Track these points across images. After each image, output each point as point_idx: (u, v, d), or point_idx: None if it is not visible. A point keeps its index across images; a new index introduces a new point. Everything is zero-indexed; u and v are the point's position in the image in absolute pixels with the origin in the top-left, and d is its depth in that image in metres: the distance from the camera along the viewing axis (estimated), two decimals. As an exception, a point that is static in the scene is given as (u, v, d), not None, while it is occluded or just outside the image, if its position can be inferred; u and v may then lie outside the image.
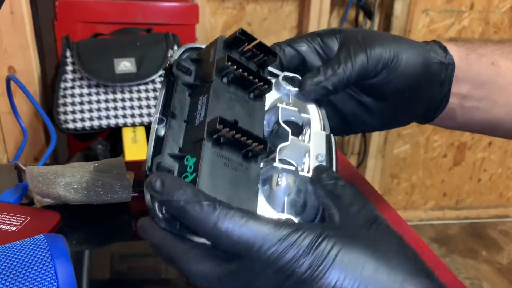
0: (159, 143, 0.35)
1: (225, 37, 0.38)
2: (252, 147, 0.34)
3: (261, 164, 0.36)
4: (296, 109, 0.40)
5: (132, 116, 1.35)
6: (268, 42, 0.40)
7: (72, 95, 1.34)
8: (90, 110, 1.33)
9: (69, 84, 1.35)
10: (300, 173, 0.37)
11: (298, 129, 0.40)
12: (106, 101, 1.34)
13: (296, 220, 0.35)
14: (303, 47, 0.44)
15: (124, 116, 1.34)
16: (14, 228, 0.48)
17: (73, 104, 1.33)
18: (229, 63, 0.36)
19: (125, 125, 1.35)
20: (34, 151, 1.48)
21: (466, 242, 2.01)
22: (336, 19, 1.75)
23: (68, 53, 1.35)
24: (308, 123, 0.40)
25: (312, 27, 1.65)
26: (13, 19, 1.34)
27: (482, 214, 2.16)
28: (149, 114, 1.35)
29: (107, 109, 1.34)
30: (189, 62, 0.39)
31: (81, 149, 1.40)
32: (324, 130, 0.41)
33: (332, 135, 0.41)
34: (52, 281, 0.33)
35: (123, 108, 1.34)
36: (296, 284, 0.29)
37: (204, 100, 0.36)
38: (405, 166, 2.01)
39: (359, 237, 0.31)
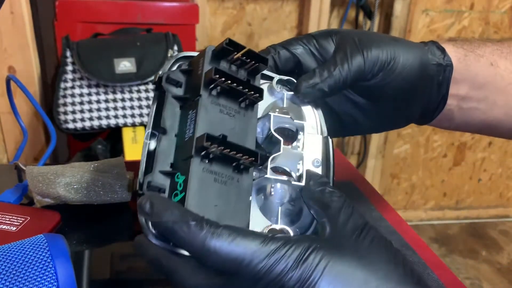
0: (151, 159, 0.35)
1: (213, 47, 0.38)
2: (243, 160, 0.34)
3: (255, 173, 0.37)
4: (288, 116, 0.39)
5: (132, 116, 1.35)
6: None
7: (72, 95, 1.34)
8: (90, 110, 1.33)
9: (69, 84, 1.35)
10: (293, 182, 0.37)
11: (293, 134, 0.40)
12: (106, 101, 1.34)
13: (290, 229, 0.36)
14: (299, 50, 0.44)
15: (124, 116, 1.34)
16: (14, 228, 0.48)
17: (73, 104, 1.33)
18: (217, 75, 0.35)
19: (125, 125, 1.35)
20: (34, 151, 1.48)
21: (466, 242, 2.01)
22: (336, 19, 1.75)
23: (68, 53, 1.35)
24: (302, 129, 0.40)
25: (312, 27, 1.65)
26: (13, 19, 1.34)
27: (482, 214, 2.16)
28: (149, 114, 1.35)
29: (107, 109, 1.34)
30: (179, 74, 0.38)
31: (81, 149, 1.40)
32: (321, 133, 0.41)
33: (329, 137, 0.41)
34: (52, 281, 0.33)
35: (123, 108, 1.34)
36: None
37: (193, 115, 0.35)
38: (405, 166, 2.01)
39: (348, 249, 0.31)
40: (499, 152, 2.04)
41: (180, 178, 0.34)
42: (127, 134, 1.33)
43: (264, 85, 0.41)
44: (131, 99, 1.35)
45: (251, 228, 0.35)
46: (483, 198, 2.14)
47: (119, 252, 0.53)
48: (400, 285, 0.31)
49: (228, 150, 0.34)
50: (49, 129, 0.62)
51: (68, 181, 0.53)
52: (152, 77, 1.34)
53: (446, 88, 0.46)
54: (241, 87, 0.36)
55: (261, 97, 0.37)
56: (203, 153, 0.33)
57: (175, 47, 1.38)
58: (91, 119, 1.33)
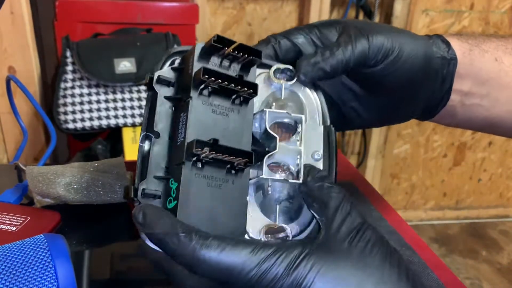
0: (146, 163, 0.35)
1: (202, 44, 0.36)
2: (236, 162, 0.34)
3: (252, 171, 0.36)
4: (284, 111, 0.38)
5: (132, 116, 1.35)
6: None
7: (72, 95, 1.34)
8: (90, 110, 1.33)
9: (69, 84, 1.35)
10: (290, 180, 0.36)
11: (293, 126, 0.39)
12: (106, 101, 1.34)
13: (289, 227, 0.36)
14: (300, 39, 0.42)
15: (124, 116, 1.34)
16: (14, 228, 0.48)
17: (73, 104, 1.33)
18: (206, 76, 0.34)
19: (125, 125, 1.35)
20: (34, 151, 1.48)
21: (466, 242, 2.01)
22: (336, 19, 1.75)
23: (68, 53, 1.35)
24: (300, 121, 0.38)
25: (312, 27, 1.64)
26: (13, 19, 1.34)
27: (482, 214, 2.16)
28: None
29: (107, 109, 1.34)
30: (171, 72, 0.37)
31: (81, 149, 1.40)
32: (323, 122, 0.40)
33: (332, 126, 0.39)
34: (52, 281, 0.32)
35: (123, 108, 1.34)
36: None
37: (184, 118, 0.35)
38: (405, 166, 2.01)
39: (341, 253, 0.31)
40: (499, 152, 2.04)
41: (174, 185, 0.34)
42: (127, 134, 1.33)
43: (262, 75, 0.40)
44: (131, 99, 1.35)
45: (249, 226, 0.35)
46: (483, 198, 2.14)
47: (119, 252, 0.53)
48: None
49: (220, 154, 0.33)
50: (49, 129, 0.62)
51: (68, 181, 0.53)
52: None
53: (450, 83, 0.45)
54: (233, 85, 0.35)
55: (255, 93, 0.36)
56: (194, 158, 0.33)
57: (175, 47, 1.38)
58: (91, 119, 1.33)
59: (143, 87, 1.36)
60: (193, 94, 0.35)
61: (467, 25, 1.79)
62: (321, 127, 0.39)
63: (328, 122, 0.40)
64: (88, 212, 0.54)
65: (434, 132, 1.95)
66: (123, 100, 1.35)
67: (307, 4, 1.64)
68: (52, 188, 0.52)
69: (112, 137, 1.41)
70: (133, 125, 1.35)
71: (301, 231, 0.37)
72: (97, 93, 1.34)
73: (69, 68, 1.35)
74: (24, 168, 0.55)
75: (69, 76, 1.35)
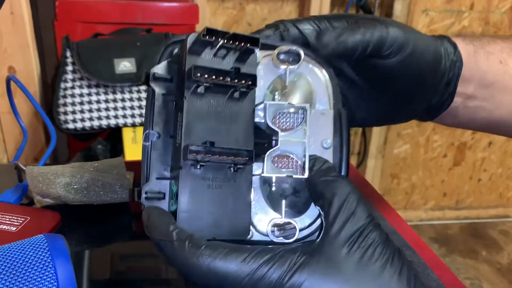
0: (150, 163, 0.35)
1: (195, 36, 0.33)
2: (236, 161, 0.33)
3: (257, 165, 0.35)
4: (286, 102, 0.36)
5: (132, 116, 1.35)
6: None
7: (72, 95, 1.34)
8: (90, 110, 1.33)
9: (69, 84, 1.35)
10: (294, 176, 0.35)
11: (300, 114, 0.36)
12: (106, 101, 1.34)
13: (296, 222, 0.34)
14: (308, 29, 0.39)
15: (124, 116, 1.34)
16: (14, 228, 0.48)
17: (73, 104, 1.33)
18: (198, 74, 0.32)
19: (125, 125, 1.35)
20: (34, 151, 1.48)
21: (466, 242, 2.01)
22: (336, 19, 1.75)
23: (68, 53, 1.35)
24: (306, 110, 0.36)
25: (312, 27, 1.64)
26: (13, 19, 1.34)
27: (482, 214, 2.16)
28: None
29: (107, 109, 1.34)
30: (167, 68, 0.35)
31: (81, 149, 1.40)
32: (334, 105, 0.37)
33: (344, 108, 0.37)
34: (52, 281, 0.32)
35: (123, 108, 1.34)
36: None
37: (181, 119, 0.33)
38: (405, 166, 2.01)
39: (337, 265, 0.31)
40: (499, 152, 2.04)
41: (174, 188, 0.33)
42: (127, 134, 1.33)
43: (267, 58, 0.37)
44: (131, 99, 1.35)
45: (256, 221, 0.35)
46: (483, 198, 2.14)
47: (119, 252, 0.53)
48: None
49: (217, 156, 0.32)
50: (49, 129, 0.62)
51: (68, 181, 0.53)
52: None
53: (455, 85, 0.44)
54: (228, 79, 0.33)
55: (254, 84, 0.34)
56: (191, 162, 0.32)
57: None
58: (91, 119, 1.33)
59: (143, 87, 1.36)
60: (187, 93, 0.33)
61: (467, 25, 1.79)
62: (331, 112, 0.37)
63: (340, 104, 0.37)
64: (88, 212, 0.54)
65: (434, 132, 1.95)
66: (123, 100, 1.35)
67: (307, 4, 1.64)
68: (52, 188, 0.52)
69: (112, 137, 1.41)
70: (133, 125, 1.35)
71: (310, 224, 0.35)
72: (97, 93, 1.34)
73: (69, 68, 1.35)
74: (24, 168, 0.55)
75: (69, 76, 1.35)
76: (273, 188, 0.36)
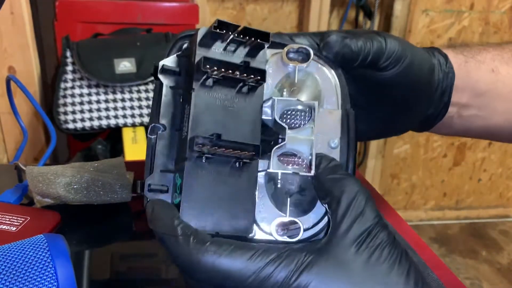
0: (154, 156, 0.34)
1: (205, 30, 0.33)
2: (242, 155, 0.32)
3: (262, 162, 0.34)
4: (295, 98, 0.35)
5: (132, 116, 1.35)
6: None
7: (72, 95, 1.34)
8: (90, 110, 1.33)
9: (69, 84, 1.35)
10: (301, 173, 0.34)
11: (308, 112, 0.36)
12: (106, 101, 1.34)
13: (301, 221, 0.34)
14: (304, 42, 0.39)
15: (124, 116, 1.34)
16: (14, 228, 0.48)
17: (73, 104, 1.33)
18: (207, 66, 0.32)
19: (125, 125, 1.35)
20: (34, 151, 1.48)
21: (466, 242, 2.01)
22: (336, 19, 1.75)
23: (68, 53, 1.35)
24: (314, 108, 0.35)
25: (312, 27, 1.65)
26: (13, 19, 1.34)
27: (482, 214, 2.16)
28: (149, 114, 1.36)
29: (107, 109, 1.34)
30: (176, 61, 0.35)
31: (81, 149, 1.40)
32: (342, 105, 0.37)
33: (352, 109, 0.37)
34: (52, 281, 0.32)
35: (123, 108, 1.34)
36: None
37: (188, 111, 0.33)
38: (405, 166, 2.01)
39: (345, 264, 0.30)
40: (499, 152, 2.04)
41: (179, 180, 0.33)
42: (127, 134, 1.33)
43: (275, 56, 0.37)
44: (131, 99, 1.35)
45: (260, 219, 0.34)
46: (483, 198, 2.14)
47: (119, 252, 0.53)
48: None
49: (223, 149, 0.32)
50: (49, 129, 0.62)
51: (68, 181, 0.53)
52: (152, 77, 1.34)
53: (449, 96, 0.44)
54: (238, 73, 0.33)
55: (263, 80, 0.33)
56: (197, 155, 0.32)
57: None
58: (91, 119, 1.33)
59: (143, 87, 1.36)
60: (195, 85, 0.33)
61: (467, 25, 1.79)
62: (339, 112, 0.36)
63: (348, 105, 0.37)
64: (88, 212, 0.54)
65: (434, 132, 1.95)
66: (123, 100, 1.35)
67: (307, 4, 1.64)
68: (52, 188, 0.52)
69: (112, 137, 1.41)
70: (133, 125, 1.35)
71: (315, 224, 0.35)
72: (97, 93, 1.34)
73: (69, 68, 1.36)
74: (24, 168, 0.55)
75: (69, 76, 1.35)
76: (279, 185, 0.35)
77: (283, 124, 0.35)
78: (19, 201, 0.55)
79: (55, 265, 0.33)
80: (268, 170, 0.34)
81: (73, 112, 1.33)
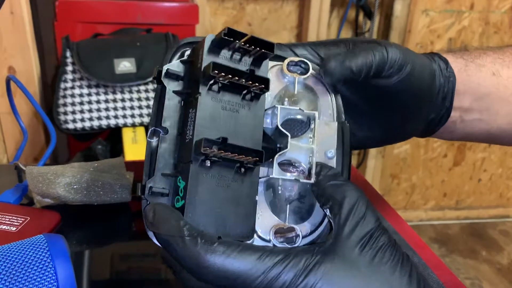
0: (154, 159, 0.34)
1: (213, 36, 0.34)
2: (246, 161, 0.33)
3: (263, 169, 0.35)
4: (297, 108, 0.37)
5: (132, 116, 1.35)
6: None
7: (72, 95, 1.34)
8: (90, 110, 1.33)
9: (69, 84, 1.35)
10: (301, 180, 0.36)
11: (305, 123, 0.38)
12: (106, 101, 1.34)
13: (299, 228, 0.35)
14: (304, 53, 0.41)
15: (124, 116, 1.34)
16: (14, 228, 0.48)
17: (73, 104, 1.33)
18: (216, 71, 0.33)
19: (125, 125, 1.35)
20: (34, 151, 1.48)
21: (466, 242, 2.01)
22: (336, 19, 1.75)
23: (68, 53, 1.35)
24: (314, 118, 0.37)
25: (312, 27, 1.65)
26: (13, 19, 1.34)
27: (482, 214, 2.16)
28: (149, 114, 1.36)
29: (107, 109, 1.34)
30: (180, 65, 0.36)
31: (81, 149, 1.40)
32: (338, 118, 0.38)
33: (346, 122, 0.38)
34: (52, 281, 0.32)
35: (123, 108, 1.34)
36: None
37: (192, 115, 0.34)
38: (405, 166, 2.01)
39: (351, 263, 0.31)
40: (499, 152, 2.04)
41: (181, 183, 0.33)
42: (127, 134, 1.33)
43: (275, 68, 0.38)
44: (131, 99, 1.35)
45: (259, 226, 0.35)
46: (483, 198, 2.14)
47: (119, 252, 0.53)
48: None
49: (229, 153, 0.32)
50: (49, 129, 0.62)
51: (68, 181, 0.53)
52: (152, 77, 1.34)
53: (450, 100, 0.44)
54: (243, 80, 0.34)
55: (266, 88, 0.35)
56: (202, 157, 0.32)
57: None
58: (91, 119, 1.33)
59: (143, 87, 1.36)
60: (202, 89, 0.34)
61: (467, 25, 1.80)
62: (335, 124, 0.38)
63: (343, 118, 0.39)
64: (88, 212, 0.54)
65: (434, 132, 1.96)
66: (123, 100, 1.35)
67: (307, 4, 1.64)
68: (52, 188, 0.52)
69: (112, 137, 1.41)
70: (133, 125, 1.35)
71: (312, 232, 0.36)
72: (97, 93, 1.34)
73: (69, 68, 1.36)
74: (24, 168, 0.55)
75: (69, 76, 1.35)
76: (279, 192, 0.36)
77: (286, 132, 0.36)
78: (19, 201, 0.55)
79: (55, 265, 0.33)
80: (271, 176, 0.35)
81: (73, 112, 1.33)
